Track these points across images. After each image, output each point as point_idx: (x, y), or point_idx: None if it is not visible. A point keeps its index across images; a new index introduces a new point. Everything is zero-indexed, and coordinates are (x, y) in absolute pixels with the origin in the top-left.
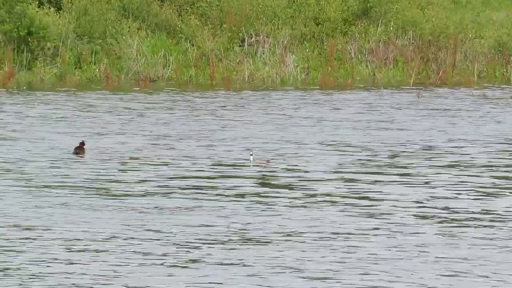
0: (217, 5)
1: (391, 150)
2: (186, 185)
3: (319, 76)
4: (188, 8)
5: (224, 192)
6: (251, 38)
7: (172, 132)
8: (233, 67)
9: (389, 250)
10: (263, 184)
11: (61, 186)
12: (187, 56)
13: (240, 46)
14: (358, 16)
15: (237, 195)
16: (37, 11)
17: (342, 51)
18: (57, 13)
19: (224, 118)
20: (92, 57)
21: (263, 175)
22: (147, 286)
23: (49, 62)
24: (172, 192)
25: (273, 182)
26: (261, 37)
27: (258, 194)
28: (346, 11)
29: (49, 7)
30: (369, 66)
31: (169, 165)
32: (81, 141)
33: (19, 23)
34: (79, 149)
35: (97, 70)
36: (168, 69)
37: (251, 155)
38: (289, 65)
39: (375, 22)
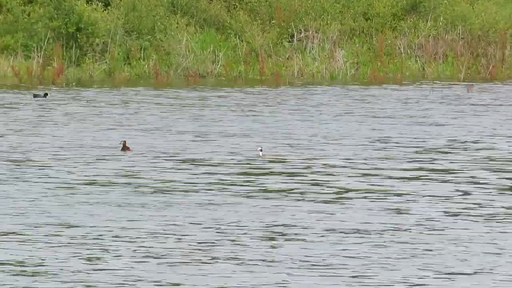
0: (266, 1)
1: (431, 144)
2: (218, 181)
3: (368, 71)
4: (236, 3)
5: (252, 188)
6: (300, 33)
7: (212, 129)
8: (282, 62)
9: (419, 245)
10: (292, 180)
11: (103, 183)
12: (236, 52)
13: (289, 41)
14: (407, 11)
15: (264, 191)
16: (85, 7)
17: (391, 46)
18: (105, 9)
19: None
20: (141, 53)
21: (292, 171)
22: (175, 284)
23: (98, 58)
24: (200, 189)
25: (302, 178)
26: (310, 32)
27: (286, 190)
28: (395, 6)
29: (97, 3)
30: (418, 61)
31: (203, 162)
32: (123, 141)
33: (68, 20)
34: (126, 146)
35: (146, 66)
36: (217, 65)
37: (261, 150)
38: (338, 60)
39: (424, 17)
